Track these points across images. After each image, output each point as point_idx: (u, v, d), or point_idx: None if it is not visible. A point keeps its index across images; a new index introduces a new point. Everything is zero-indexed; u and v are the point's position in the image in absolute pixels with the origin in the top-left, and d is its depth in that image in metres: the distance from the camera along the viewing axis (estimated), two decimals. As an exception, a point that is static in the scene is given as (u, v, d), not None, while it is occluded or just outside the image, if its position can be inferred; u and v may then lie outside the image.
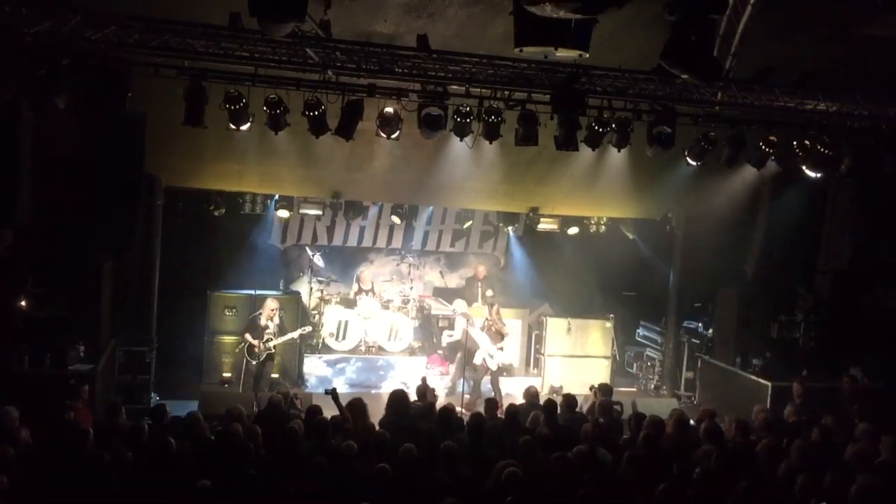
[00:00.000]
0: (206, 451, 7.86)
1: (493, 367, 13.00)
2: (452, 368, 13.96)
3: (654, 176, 13.24)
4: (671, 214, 15.36)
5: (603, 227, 16.22)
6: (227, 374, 14.00)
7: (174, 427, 8.39)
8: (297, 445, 7.96)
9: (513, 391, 14.45)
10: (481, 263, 16.41)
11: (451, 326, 13.75)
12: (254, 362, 12.93)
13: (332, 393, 9.05)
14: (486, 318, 13.34)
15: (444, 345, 14.37)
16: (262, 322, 12.97)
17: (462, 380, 13.31)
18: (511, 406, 9.60)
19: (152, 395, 12.38)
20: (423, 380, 10.62)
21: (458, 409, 9.85)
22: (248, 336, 12.93)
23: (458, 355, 13.64)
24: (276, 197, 14.76)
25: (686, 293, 15.38)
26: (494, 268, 17.59)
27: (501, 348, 13.01)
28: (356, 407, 8.94)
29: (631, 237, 16.38)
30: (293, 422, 8.48)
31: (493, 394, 12.72)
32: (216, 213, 14.60)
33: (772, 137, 11.31)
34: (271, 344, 12.96)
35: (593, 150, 10.88)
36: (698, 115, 10.87)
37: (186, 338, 14.47)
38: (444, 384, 14.04)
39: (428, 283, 17.35)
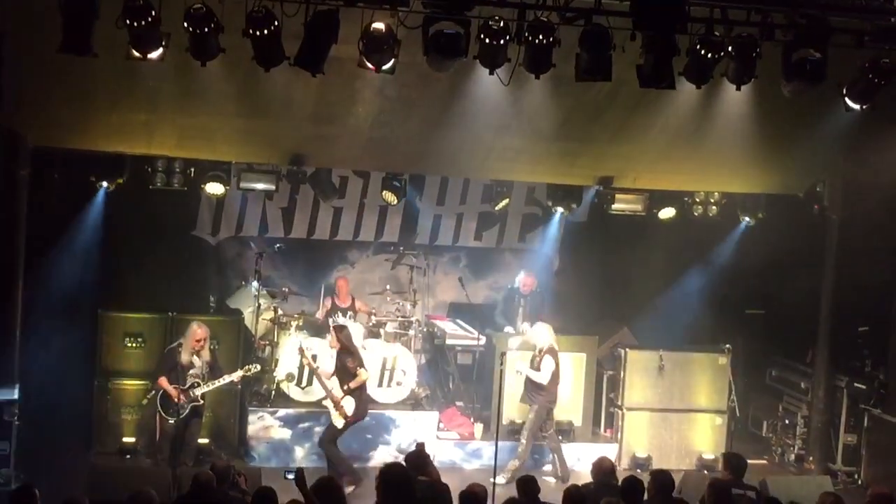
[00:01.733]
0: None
1: (339, 425, 13.08)
2: (523, 437, 14.05)
3: (794, 128, 13.16)
4: (821, 188, 15.27)
5: (714, 207, 16.13)
6: (128, 440, 14.02)
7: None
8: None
9: (573, 464, 14.42)
10: (528, 272, 16.32)
11: (537, 368, 13.83)
12: (171, 420, 12.94)
13: (298, 478, 9.02)
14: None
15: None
16: (184, 358, 12.98)
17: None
18: (572, 489, 9.54)
19: (13, 472, 12.38)
20: (421, 447, 10.56)
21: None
22: (163, 382, 12.94)
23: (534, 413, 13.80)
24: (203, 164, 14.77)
25: (845, 311, 15.28)
26: (544, 272, 17.51)
27: (349, 389, 13.02)
28: (326, 490, 8.92)
29: (751, 221, 16.27)
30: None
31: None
32: (100, 186, 14.58)
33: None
34: (198, 392, 12.99)
35: (698, 87, 10.82)
36: (864, 32, 10.77)
37: (66, 382, 14.47)
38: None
39: (440, 296, 17.31)
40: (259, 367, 13.71)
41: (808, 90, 10.76)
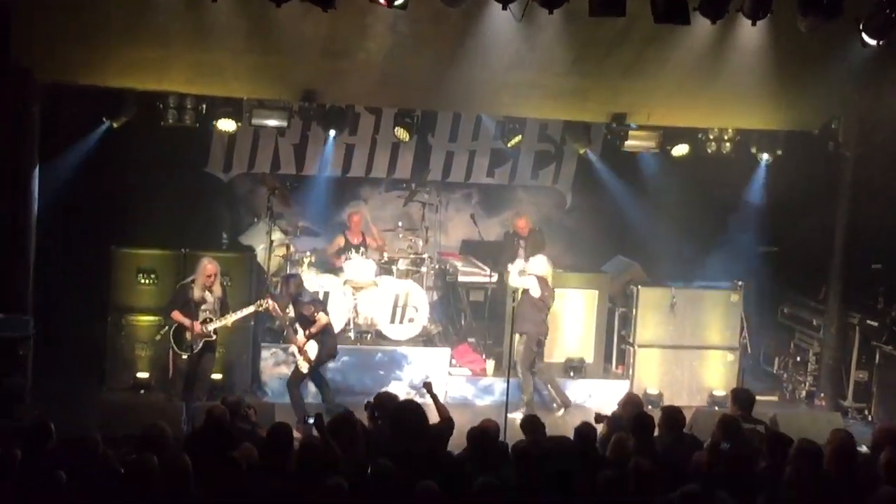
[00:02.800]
0: (109, 493, 7.95)
1: (304, 369, 13.19)
2: (518, 371, 14.15)
3: (810, 64, 13.09)
4: (836, 125, 15.20)
5: (728, 144, 16.06)
6: (142, 375, 14.15)
7: (62, 455, 8.48)
8: (247, 486, 8.02)
9: (584, 400, 14.54)
10: (522, 214, 16.34)
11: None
12: (184, 355, 13.02)
13: (318, 423, 9.12)
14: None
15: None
16: (196, 294, 13.03)
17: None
18: (584, 426, 9.61)
19: (28, 406, 12.50)
20: (428, 386, 10.64)
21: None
22: (177, 315, 13.00)
23: (523, 343, 13.90)
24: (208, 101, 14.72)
25: (858, 249, 15.28)
26: (556, 209, 17.54)
27: (311, 334, 13.10)
28: (341, 424, 8.99)
29: (770, 159, 16.24)
30: (242, 448, 8.52)
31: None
32: (114, 125, 14.61)
33: None
34: (211, 327, 13.05)
35: (713, 22, 10.76)
36: (881, -34, 10.71)
37: (80, 318, 14.57)
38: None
39: (453, 233, 17.34)
40: (270, 301, 13.80)
41: (824, 25, 10.69)
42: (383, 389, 10.54)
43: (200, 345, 13.04)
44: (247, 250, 15.18)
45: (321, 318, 13.14)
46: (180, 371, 13.18)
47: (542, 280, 14.02)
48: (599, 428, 10.18)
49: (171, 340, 13.09)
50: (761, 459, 9.44)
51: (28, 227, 13.14)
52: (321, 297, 14.41)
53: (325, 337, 13.22)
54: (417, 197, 16.34)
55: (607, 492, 8.08)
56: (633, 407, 10.57)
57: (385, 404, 9.69)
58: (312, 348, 13.06)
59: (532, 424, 9.87)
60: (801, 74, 13.45)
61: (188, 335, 12.95)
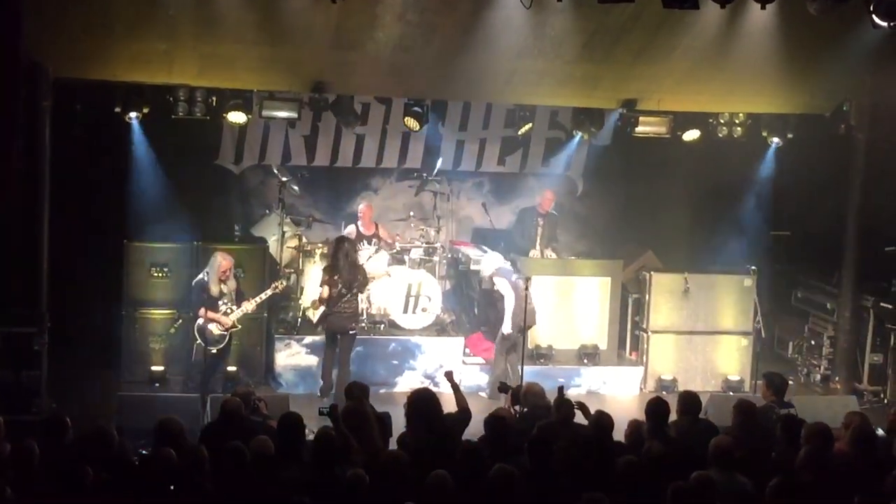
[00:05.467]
0: (126, 486, 7.97)
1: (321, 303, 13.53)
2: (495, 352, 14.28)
3: (820, 47, 13.06)
4: (848, 108, 15.15)
5: (739, 129, 16.01)
6: (157, 368, 14.19)
7: (79, 449, 8.49)
8: (261, 477, 8.04)
9: (598, 387, 14.53)
10: (548, 188, 16.34)
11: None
12: (214, 350, 13.07)
13: (332, 413, 9.15)
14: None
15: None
16: (213, 290, 13.03)
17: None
18: (600, 414, 9.59)
19: (45, 400, 12.54)
20: (449, 375, 10.64)
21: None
22: (206, 313, 12.97)
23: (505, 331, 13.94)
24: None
25: (871, 231, 15.24)
26: (568, 196, 17.50)
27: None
28: (353, 415, 9.01)
29: (780, 143, 16.20)
30: (257, 440, 8.52)
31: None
32: (127, 119, 14.61)
33: None
34: (233, 318, 13.08)
35: (722, 7, 10.78)
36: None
37: (94, 313, 14.60)
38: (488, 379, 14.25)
39: (464, 221, 17.33)
40: (286, 282, 13.85)
41: (834, 7, 10.67)
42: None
43: (227, 338, 13.08)
44: (259, 242, 15.19)
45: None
46: (198, 364, 13.20)
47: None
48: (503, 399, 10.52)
49: (198, 337, 13.07)
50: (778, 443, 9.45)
51: (41, 221, 13.16)
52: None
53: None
54: (428, 186, 16.31)
55: (622, 477, 8.09)
56: (532, 396, 10.33)
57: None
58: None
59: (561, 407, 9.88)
60: (812, 57, 13.43)
61: (215, 330, 12.97)
